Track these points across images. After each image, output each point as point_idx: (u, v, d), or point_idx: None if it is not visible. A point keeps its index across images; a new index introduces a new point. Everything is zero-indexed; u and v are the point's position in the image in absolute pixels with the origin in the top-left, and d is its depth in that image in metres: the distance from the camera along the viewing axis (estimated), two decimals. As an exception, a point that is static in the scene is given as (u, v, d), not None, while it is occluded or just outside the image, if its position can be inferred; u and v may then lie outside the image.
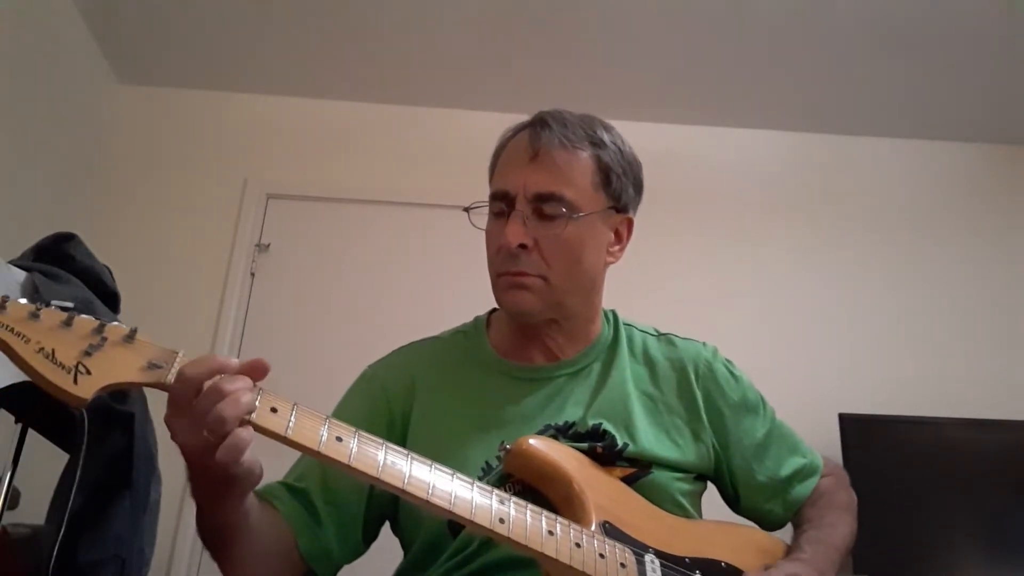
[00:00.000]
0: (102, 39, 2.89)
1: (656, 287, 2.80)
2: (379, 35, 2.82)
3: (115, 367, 0.73)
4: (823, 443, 2.45)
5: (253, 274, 2.91)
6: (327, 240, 2.97)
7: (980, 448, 2.61)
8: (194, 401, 0.74)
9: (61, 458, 1.39)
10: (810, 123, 3.16)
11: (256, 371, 0.78)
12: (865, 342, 2.91)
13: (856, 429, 2.59)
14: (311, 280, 2.91)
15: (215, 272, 2.89)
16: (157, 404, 1.64)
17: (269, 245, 2.95)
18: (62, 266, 1.53)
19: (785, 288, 2.99)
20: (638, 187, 1.16)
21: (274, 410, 0.78)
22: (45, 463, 1.47)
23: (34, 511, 1.49)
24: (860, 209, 3.12)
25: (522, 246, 1.04)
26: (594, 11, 2.66)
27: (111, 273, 1.63)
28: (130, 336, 0.75)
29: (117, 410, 1.40)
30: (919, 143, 3.21)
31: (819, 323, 2.94)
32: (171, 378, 0.75)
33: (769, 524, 1.16)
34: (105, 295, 1.57)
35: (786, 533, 1.15)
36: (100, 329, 0.73)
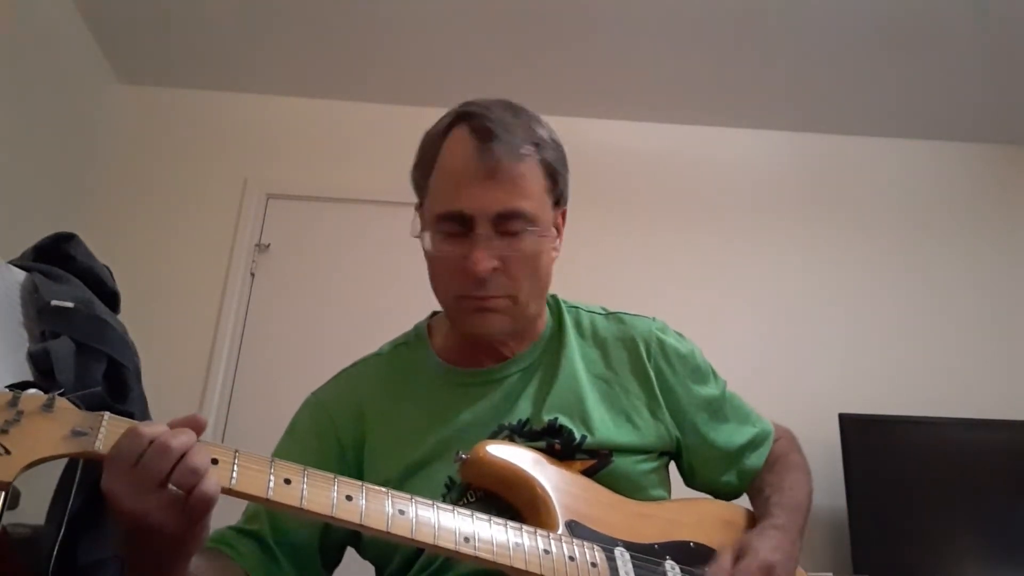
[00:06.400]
0: (102, 39, 2.89)
1: (655, 287, 2.80)
2: (379, 35, 2.82)
3: (37, 442, 0.68)
4: (823, 443, 2.46)
5: (253, 274, 2.91)
6: (327, 240, 2.97)
7: (980, 448, 2.61)
8: (139, 462, 0.70)
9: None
10: (810, 123, 3.16)
11: (193, 426, 0.75)
12: (865, 342, 2.91)
13: (856, 429, 2.59)
14: (311, 280, 2.91)
15: (215, 272, 2.88)
16: (156, 403, 1.63)
17: (269, 245, 2.95)
18: (62, 266, 1.53)
19: (785, 288, 2.99)
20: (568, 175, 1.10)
21: (215, 461, 0.73)
22: (45, 463, 1.46)
23: (34, 511, 1.48)
24: (860, 209, 3.12)
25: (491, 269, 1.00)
26: (594, 12, 2.66)
27: (111, 273, 1.64)
28: (48, 404, 0.70)
29: (117, 410, 1.40)
30: (919, 143, 3.21)
31: (819, 323, 2.94)
32: (99, 445, 0.70)
33: (725, 495, 1.15)
34: (105, 295, 1.57)
35: (743, 501, 1.15)
36: (15, 402, 0.68)
